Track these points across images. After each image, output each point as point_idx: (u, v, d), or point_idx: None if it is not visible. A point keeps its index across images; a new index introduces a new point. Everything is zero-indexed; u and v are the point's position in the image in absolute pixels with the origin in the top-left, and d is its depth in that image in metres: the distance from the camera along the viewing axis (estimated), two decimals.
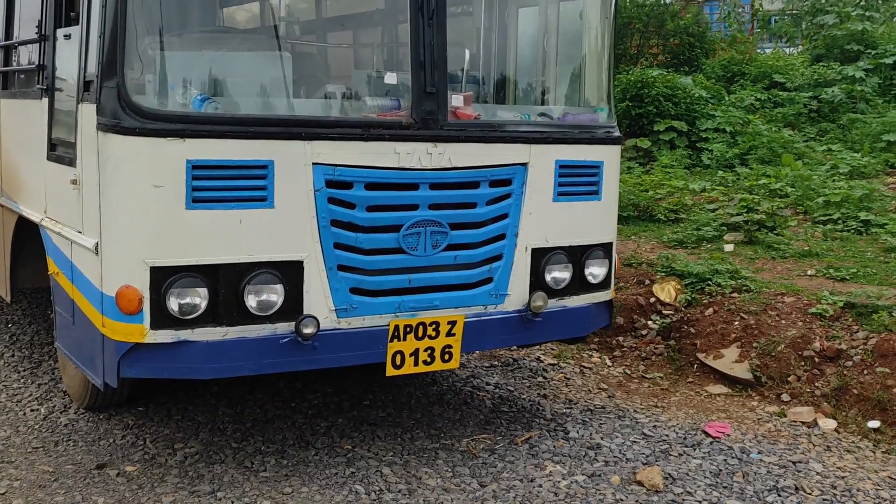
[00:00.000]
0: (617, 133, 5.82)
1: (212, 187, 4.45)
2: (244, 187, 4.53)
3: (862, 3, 21.12)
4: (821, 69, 17.79)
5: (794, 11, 22.54)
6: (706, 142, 15.04)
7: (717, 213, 10.77)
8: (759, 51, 21.53)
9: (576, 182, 5.56)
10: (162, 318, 4.46)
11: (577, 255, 5.65)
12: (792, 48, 22.40)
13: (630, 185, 11.96)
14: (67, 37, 4.95)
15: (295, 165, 4.63)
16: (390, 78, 5.18)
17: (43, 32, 5.34)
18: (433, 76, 4.92)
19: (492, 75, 6.13)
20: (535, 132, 5.40)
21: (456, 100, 5.14)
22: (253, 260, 4.61)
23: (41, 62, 5.38)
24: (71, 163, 4.83)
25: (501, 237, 5.30)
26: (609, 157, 5.74)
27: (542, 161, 5.37)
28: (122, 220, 4.44)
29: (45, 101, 5.26)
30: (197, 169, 4.40)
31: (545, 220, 5.44)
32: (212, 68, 4.80)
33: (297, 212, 4.68)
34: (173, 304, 4.46)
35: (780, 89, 17.59)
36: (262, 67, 5.02)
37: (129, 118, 4.31)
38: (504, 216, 5.31)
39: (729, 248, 9.45)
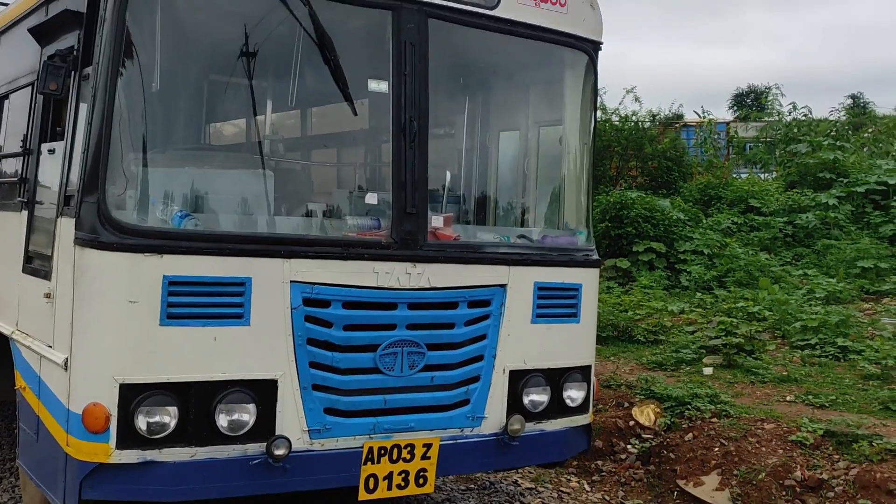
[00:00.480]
0: (595, 256, 5.86)
1: (188, 304, 4.41)
2: (220, 304, 4.49)
3: (833, 133, 21.80)
4: (795, 195, 18.19)
5: (767, 139, 23.21)
6: (684, 263, 15.21)
7: (696, 336, 10.78)
8: (734, 175, 22.02)
9: (554, 304, 5.56)
10: (129, 437, 4.33)
11: (556, 378, 5.60)
12: (766, 174, 22.94)
13: (609, 304, 12.00)
14: (52, 151, 4.99)
15: (273, 283, 4.60)
16: (371, 198, 5.23)
17: (28, 146, 5.38)
18: (414, 197, 4.96)
19: (473, 197, 6.22)
20: (515, 254, 5.43)
21: (436, 220, 5.18)
22: (226, 378, 4.52)
23: (23, 175, 5.40)
24: (46, 276, 4.79)
25: (479, 358, 5.25)
26: (588, 280, 5.76)
27: (520, 283, 5.37)
28: (94, 335, 4.37)
29: (25, 213, 5.25)
30: (174, 285, 4.36)
31: (523, 342, 5.41)
32: (193, 185, 4.83)
33: (273, 330, 4.62)
34: (141, 422, 4.34)
35: (755, 214, 17.94)
36: (244, 184, 5.06)
37: (107, 233, 4.29)
38: (482, 337, 5.27)
39: (708, 371, 9.41)
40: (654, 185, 20.18)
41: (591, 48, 5.77)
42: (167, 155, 4.96)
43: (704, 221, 17.16)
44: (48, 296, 4.69)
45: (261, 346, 4.60)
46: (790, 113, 23.05)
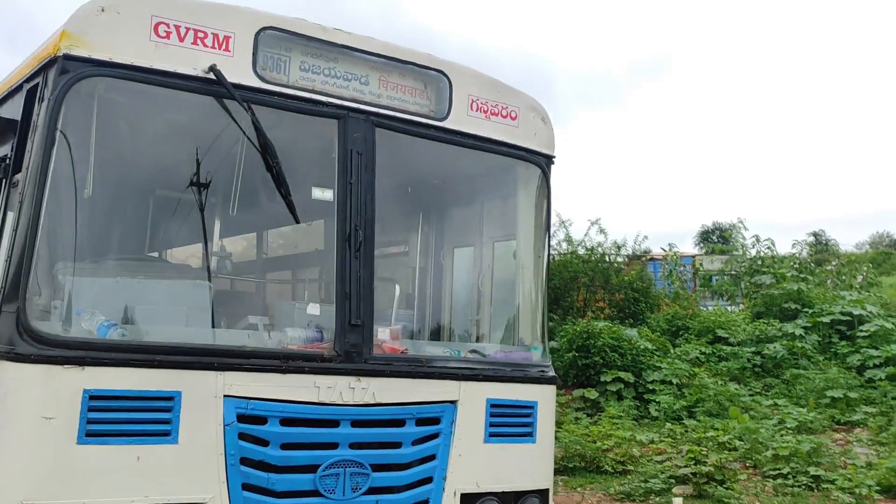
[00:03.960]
0: (552, 373, 5.62)
1: (109, 420, 4.09)
2: (146, 420, 4.18)
3: (796, 266, 22.03)
4: (761, 325, 18.16)
5: (732, 272, 23.39)
6: (653, 393, 14.95)
7: (665, 465, 10.44)
8: (701, 307, 22.05)
9: (509, 423, 5.29)
10: None
11: (511, 503, 5.26)
12: (733, 306, 23.00)
13: (577, 435, 11.66)
14: None
15: (204, 398, 4.31)
16: (313, 308, 5.01)
17: None
18: (359, 308, 4.75)
19: (426, 311, 6.02)
20: (465, 369, 5.18)
21: (382, 333, 4.96)
22: (150, 502, 4.16)
23: None
24: None
25: (428, 480, 4.92)
26: (544, 397, 5.50)
27: (472, 399, 5.12)
28: (4, 454, 4.02)
29: None
30: (95, 400, 4.05)
31: (476, 462, 5.10)
32: (123, 295, 4.59)
33: (203, 448, 4.30)
34: None
35: (723, 344, 17.84)
36: (177, 295, 4.84)
37: (24, 344, 4.01)
38: (431, 457, 4.96)
39: (678, 501, 9.04)
40: (622, 315, 20.11)
41: (543, 161, 5.71)
42: (96, 265, 4.74)
43: (673, 352, 17.01)
44: None
45: (189, 467, 4.26)
46: (754, 246, 23.34)
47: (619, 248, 21.04)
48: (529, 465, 5.39)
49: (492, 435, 5.19)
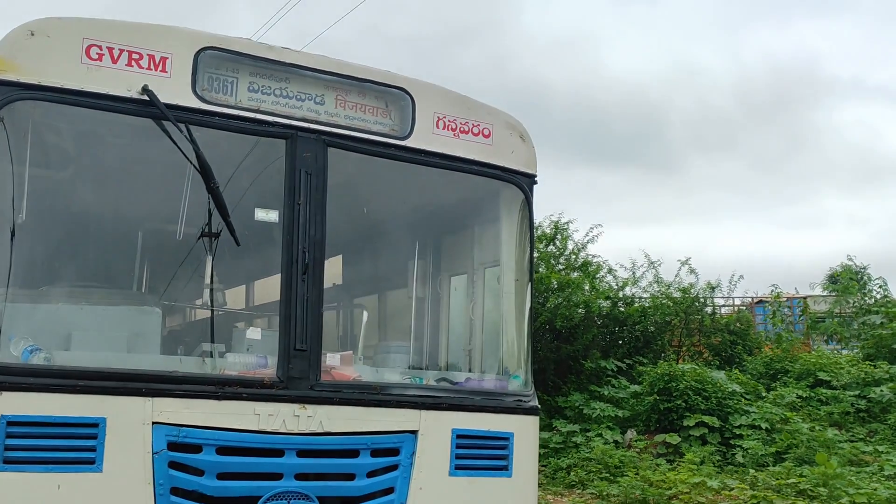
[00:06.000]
0: (533, 402, 5.25)
1: (28, 447, 3.99)
2: (68, 447, 4.07)
3: None
4: (867, 368, 16.95)
5: (841, 314, 22.08)
6: (740, 438, 14.08)
7: None
8: (813, 349, 20.82)
9: (479, 454, 4.95)
10: None
11: None
12: (845, 349, 21.65)
13: (642, 480, 11.04)
14: None
15: (131, 424, 4.18)
16: (253, 332, 4.85)
17: None
18: (304, 332, 4.56)
19: (392, 338, 5.76)
20: (426, 396, 4.89)
21: (331, 358, 4.74)
22: None
23: None
24: None
25: None
26: (522, 429, 5.14)
27: (435, 429, 4.82)
28: None
29: None
30: (13, 426, 3.98)
31: (439, 496, 4.78)
32: (63, 322, 4.55)
33: (130, 477, 4.16)
34: None
35: (825, 387, 16.72)
36: (122, 322, 4.76)
37: None
38: (389, 490, 4.68)
39: None
40: (720, 359, 19.20)
41: (523, 181, 5.42)
42: (34, 291, 4.73)
43: (768, 396, 16.04)
44: None
45: (114, 497, 4.13)
46: (865, 286, 22.00)
47: (712, 288, 20.11)
48: (504, 500, 5.02)
49: (458, 468, 4.87)
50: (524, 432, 5.16)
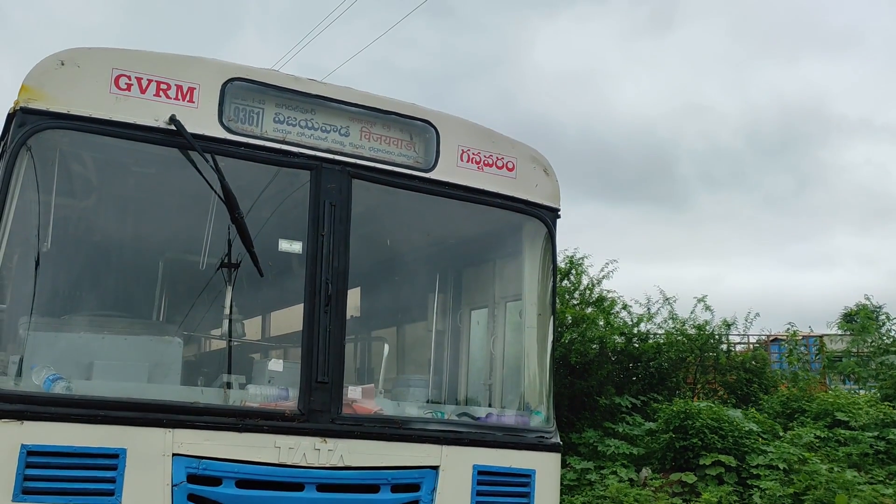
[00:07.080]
0: (555, 439, 5.18)
1: (48, 477, 3.96)
2: (87, 479, 4.03)
3: None
4: (886, 408, 16.73)
5: (858, 353, 21.87)
6: (757, 479, 13.87)
7: None
8: (830, 389, 20.58)
9: (500, 492, 4.88)
10: None
11: None
12: (863, 389, 21.40)
13: None
14: None
15: (151, 456, 4.15)
16: (275, 364, 4.81)
17: None
18: (326, 365, 4.52)
19: (411, 372, 5.71)
20: (448, 431, 4.83)
21: (353, 392, 4.69)
22: None
23: None
24: None
25: None
26: (544, 466, 5.06)
27: (456, 465, 4.75)
28: None
29: None
30: (33, 455, 3.94)
31: None
32: (86, 351, 4.52)
33: None
34: None
35: (843, 428, 16.49)
36: (145, 352, 4.73)
37: None
38: None
39: None
40: (735, 397, 18.99)
41: (546, 215, 5.41)
42: (58, 320, 4.71)
43: (785, 435, 15.83)
44: None
45: None
46: (883, 325, 21.76)
47: (728, 326, 19.94)
48: None
49: None
50: (546, 469, 5.09)
